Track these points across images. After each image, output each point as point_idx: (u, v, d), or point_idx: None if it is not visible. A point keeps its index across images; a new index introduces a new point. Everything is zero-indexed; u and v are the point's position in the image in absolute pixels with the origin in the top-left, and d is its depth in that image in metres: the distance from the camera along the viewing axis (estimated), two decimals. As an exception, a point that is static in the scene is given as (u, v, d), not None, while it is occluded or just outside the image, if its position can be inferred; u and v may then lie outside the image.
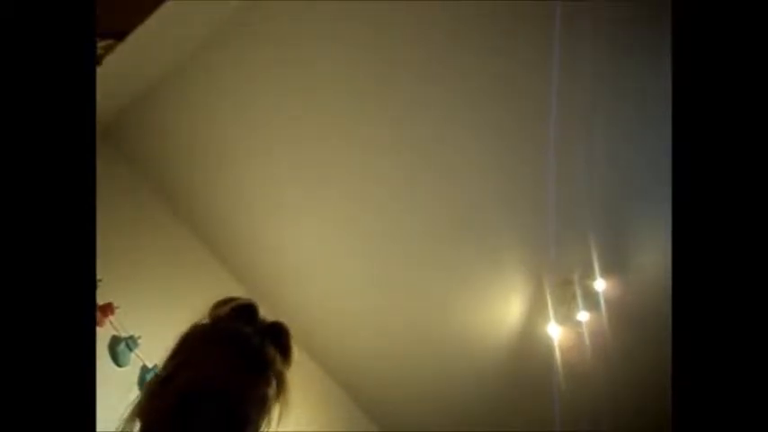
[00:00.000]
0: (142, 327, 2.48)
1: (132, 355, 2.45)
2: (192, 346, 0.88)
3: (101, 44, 2.03)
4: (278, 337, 0.89)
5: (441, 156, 2.69)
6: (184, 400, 0.80)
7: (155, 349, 2.51)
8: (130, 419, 0.85)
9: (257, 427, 0.83)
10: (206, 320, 0.92)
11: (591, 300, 2.92)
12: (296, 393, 0.91)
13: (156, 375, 0.88)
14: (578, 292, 2.92)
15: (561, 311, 2.97)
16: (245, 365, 0.83)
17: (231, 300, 0.93)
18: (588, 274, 2.88)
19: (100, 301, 2.36)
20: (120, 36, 2.05)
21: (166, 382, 0.84)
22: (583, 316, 2.95)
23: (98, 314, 2.34)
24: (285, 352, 0.89)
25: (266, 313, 3.04)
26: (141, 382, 2.46)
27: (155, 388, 0.85)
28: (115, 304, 2.40)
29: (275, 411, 0.86)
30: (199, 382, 0.81)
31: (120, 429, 0.84)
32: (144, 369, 2.48)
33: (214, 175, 2.84)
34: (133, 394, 2.54)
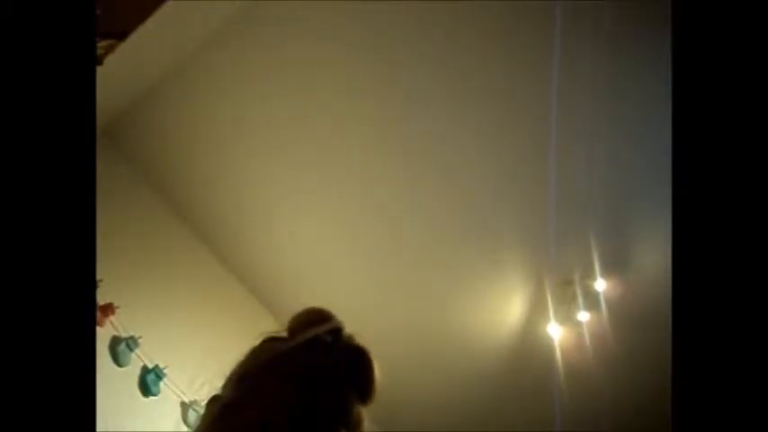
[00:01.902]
0: (142, 327, 2.48)
1: (133, 356, 2.45)
2: (264, 371, 0.80)
3: (101, 44, 2.03)
4: (359, 370, 0.82)
5: (441, 156, 2.69)
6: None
7: (155, 349, 2.52)
8: None
9: None
10: (282, 333, 0.85)
11: (591, 300, 2.91)
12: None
13: (219, 396, 0.80)
14: (579, 292, 2.91)
15: (562, 311, 2.96)
16: (323, 407, 0.78)
17: (315, 319, 0.84)
18: (588, 274, 2.87)
19: (100, 301, 2.36)
20: (121, 36, 2.05)
21: (234, 409, 0.77)
22: (583, 316, 2.94)
23: (98, 314, 2.35)
24: (365, 390, 0.81)
25: (266, 313, 3.03)
26: (142, 382, 2.47)
27: (220, 411, 0.78)
28: (115, 304, 2.41)
29: None
30: (270, 417, 0.75)
31: None
32: (144, 369, 2.48)
33: (214, 175, 2.84)
34: (133, 394, 2.53)
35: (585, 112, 2.45)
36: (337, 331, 0.83)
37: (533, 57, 2.40)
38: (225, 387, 0.81)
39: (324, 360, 0.80)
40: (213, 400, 0.81)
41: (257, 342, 0.85)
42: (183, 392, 2.57)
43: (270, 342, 0.84)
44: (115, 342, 2.41)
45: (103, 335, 2.38)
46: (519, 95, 2.50)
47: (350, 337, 0.84)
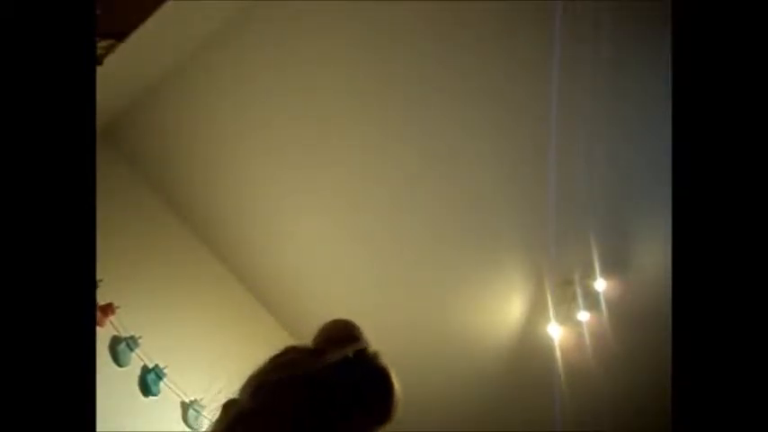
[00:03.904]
0: (143, 327, 2.48)
1: (133, 355, 2.45)
2: (285, 384, 0.79)
3: (101, 44, 2.03)
4: (380, 393, 0.82)
5: (441, 156, 2.69)
6: None
7: (155, 349, 2.51)
8: None
9: None
10: (307, 346, 0.84)
11: (591, 300, 2.91)
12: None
13: (236, 401, 0.80)
14: (579, 292, 2.91)
15: (562, 311, 2.96)
16: (341, 427, 0.78)
17: (342, 336, 0.83)
18: (588, 274, 2.88)
19: (100, 301, 2.36)
20: (121, 36, 2.05)
21: (251, 418, 0.77)
22: (583, 316, 2.95)
23: (98, 314, 2.35)
24: (384, 413, 0.81)
25: (266, 313, 3.02)
26: (142, 382, 2.47)
27: (236, 418, 0.78)
28: (115, 304, 2.41)
29: None
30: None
31: None
32: (144, 369, 2.48)
33: (214, 175, 2.84)
34: (133, 394, 2.53)
35: (585, 112, 2.45)
36: (361, 351, 0.82)
37: (533, 57, 2.40)
38: (242, 392, 0.80)
39: (345, 380, 0.80)
40: (229, 405, 0.81)
41: (279, 351, 0.84)
42: (183, 392, 2.57)
43: (292, 354, 0.83)
44: (115, 342, 2.41)
45: (103, 335, 2.37)
46: (519, 95, 2.50)
47: (374, 357, 0.83)
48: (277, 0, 2.37)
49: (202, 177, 2.86)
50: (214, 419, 0.82)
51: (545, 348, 2.99)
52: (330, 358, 0.80)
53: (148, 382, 2.46)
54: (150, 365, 2.49)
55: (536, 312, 3.01)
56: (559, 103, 2.38)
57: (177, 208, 2.92)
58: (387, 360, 0.84)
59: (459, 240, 2.89)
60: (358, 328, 0.86)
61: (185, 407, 2.59)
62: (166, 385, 2.52)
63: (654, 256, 2.76)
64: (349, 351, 0.81)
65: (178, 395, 2.56)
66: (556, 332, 2.97)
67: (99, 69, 1.98)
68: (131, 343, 2.44)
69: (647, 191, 2.63)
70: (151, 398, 2.47)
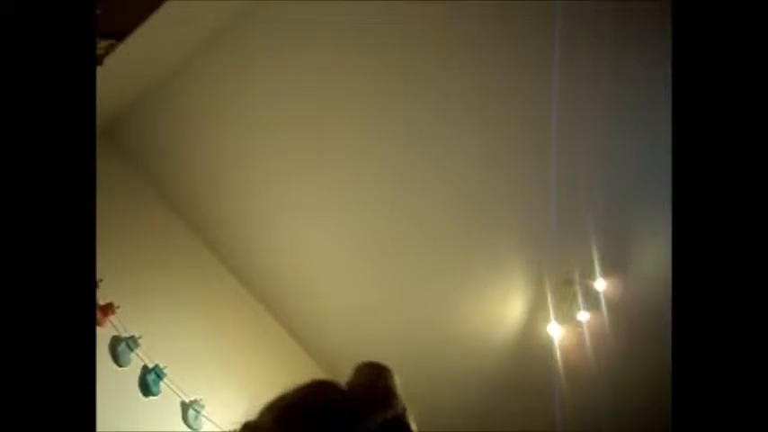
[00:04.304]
0: (143, 327, 2.48)
1: (133, 355, 2.45)
2: (310, 423, 0.79)
3: (101, 44, 2.03)
4: None
5: (441, 156, 2.69)
6: None
7: (155, 349, 2.51)
8: None
9: None
10: (340, 386, 0.83)
11: (591, 299, 2.92)
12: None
13: (257, 424, 0.80)
14: (579, 292, 2.92)
15: (562, 311, 2.96)
16: None
17: (383, 398, 0.83)
18: (589, 274, 2.88)
19: (100, 301, 2.36)
20: (120, 36, 2.05)
21: None
22: (583, 316, 2.95)
23: (98, 314, 2.34)
24: None
25: (265, 313, 3.01)
26: (142, 382, 2.47)
27: None
28: (116, 304, 2.41)
29: None
30: None
31: None
32: (144, 369, 2.48)
33: (214, 176, 2.85)
34: (133, 395, 2.52)
35: (586, 111, 2.45)
36: (398, 417, 0.82)
37: (533, 57, 2.40)
38: (263, 416, 0.80)
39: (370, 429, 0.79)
40: (250, 427, 0.80)
41: (307, 383, 0.83)
42: (183, 392, 2.57)
43: (322, 389, 0.83)
44: (115, 342, 2.41)
45: (103, 335, 2.37)
46: (519, 96, 2.50)
47: (407, 421, 0.83)
48: (277, 0, 2.37)
49: (203, 177, 2.86)
50: None
51: (545, 348, 2.99)
52: (370, 423, 0.79)
53: (148, 382, 2.46)
54: (150, 365, 2.49)
55: (536, 312, 3.01)
56: (559, 103, 2.39)
57: (177, 208, 2.92)
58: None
59: (459, 241, 2.89)
60: (394, 382, 0.85)
61: (185, 407, 2.59)
62: (166, 385, 2.52)
63: (654, 256, 2.76)
64: (389, 414, 0.80)
65: (178, 395, 2.56)
66: (556, 332, 2.97)
67: (99, 69, 1.98)
68: (131, 343, 2.44)
69: (647, 191, 2.63)
70: (151, 398, 2.47)
